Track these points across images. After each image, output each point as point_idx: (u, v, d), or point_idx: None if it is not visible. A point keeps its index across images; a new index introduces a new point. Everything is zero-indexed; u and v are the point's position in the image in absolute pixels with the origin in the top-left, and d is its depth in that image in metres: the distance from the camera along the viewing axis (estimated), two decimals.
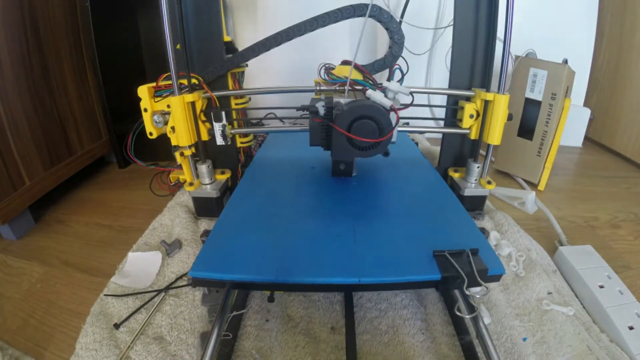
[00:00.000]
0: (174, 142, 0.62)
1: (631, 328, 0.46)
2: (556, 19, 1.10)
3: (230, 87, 0.71)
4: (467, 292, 0.40)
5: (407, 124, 1.20)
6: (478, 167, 0.68)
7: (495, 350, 0.37)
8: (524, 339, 0.46)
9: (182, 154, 0.65)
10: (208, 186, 0.69)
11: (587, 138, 1.20)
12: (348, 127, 0.50)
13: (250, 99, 0.80)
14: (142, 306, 0.52)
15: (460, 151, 0.74)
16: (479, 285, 0.40)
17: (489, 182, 0.68)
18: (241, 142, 0.77)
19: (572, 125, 1.13)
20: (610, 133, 1.13)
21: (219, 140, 0.67)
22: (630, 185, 0.91)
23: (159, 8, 0.55)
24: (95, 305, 0.52)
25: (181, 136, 0.61)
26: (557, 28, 1.10)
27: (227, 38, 0.69)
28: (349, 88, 0.54)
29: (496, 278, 0.43)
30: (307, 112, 0.53)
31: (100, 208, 0.84)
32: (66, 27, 0.85)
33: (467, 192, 0.69)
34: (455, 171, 0.73)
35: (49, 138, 0.80)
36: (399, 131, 0.60)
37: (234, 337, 0.46)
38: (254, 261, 0.44)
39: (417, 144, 0.92)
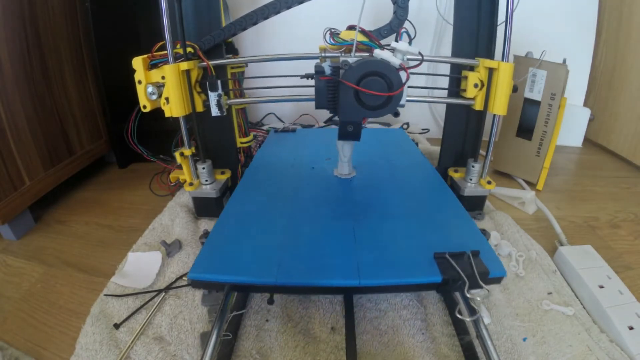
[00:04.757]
0: (167, 114, 0.60)
1: (631, 328, 0.46)
2: (556, 19, 1.10)
3: (230, 87, 0.71)
4: (468, 295, 0.40)
5: (408, 124, 1.20)
6: (478, 167, 0.68)
7: (495, 350, 0.37)
8: (524, 339, 0.46)
9: (182, 154, 0.65)
10: (208, 186, 0.69)
11: (587, 138, 1.20)
12: (356, 85, 0.48)
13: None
14: (142, 306, 0.52)
15: (460, 151, 0.74)
16: (480, 287, 0.40)
17: (489, 182, 0.68)
18: (241, 142, 0.77)
19: (572, 126, 1.14)
20: (607, 133, 1.13)
21: (214, 111, 0.65)
22: (630, 185, 0.91)
23: (159, 8, 0.55)
24: (95, 305, 0.52)
25: (175, 106, 0.60)
26: (557, 28, 1.10)
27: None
28: (356, 50, 0.51)
29: (497, 280, 0.43)
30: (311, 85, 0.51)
31: (100, 208, 0.84)
32: (66, 27, 0.85)
33: (467, 192, 0.69)
34: (455, 171, 0.73)
35: (49, 138, 0.80)
36: (407, 100, 0.57)
37: (234, 337, 0.46)
38: (253, 263, 0.44)
39: (417, 144, 0.92)
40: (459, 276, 0.40)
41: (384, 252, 0.46)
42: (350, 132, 0.55)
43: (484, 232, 0.64)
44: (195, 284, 0.44)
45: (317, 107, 0.53)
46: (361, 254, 0.45)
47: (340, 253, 0.46)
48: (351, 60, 0.48)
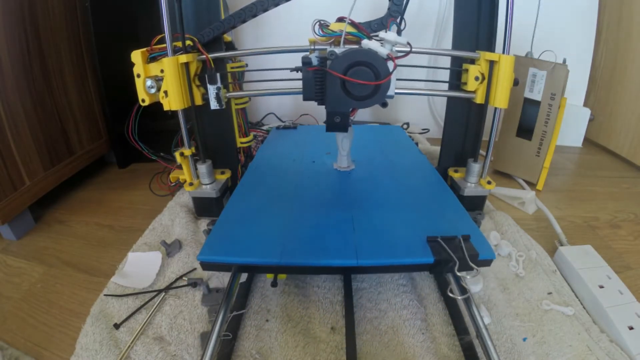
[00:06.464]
0: (166, 107, 0.60)
1: (631, 328, 0.46)
2: (556, 19, 1.10)
3: (230, 86, 0.71)
4: (458, 274, 0.42)
5: (408, 124, 1.20)
6: (478, 167, 0.68)
7: (495, 350, 0.37)
8: (524, 339, 0.46)
9: (182, 154, 0.65)
10: (208, 186, 0.69)
11: (587, 138, 1.20)
12: (343, 75, 0.48)
13: (250, 99, 0.80)
14: (142, 306, 0.52)
15: (460, 150, 0.74)
16: (470, 269, 0.42)
17: (489, 182, 0.68)
18: (241, 142, 0.77)
19: (572, 126, 1.14)
20: (607, 133, 1.13)
21: (213, 104, 0.65)
22: (630, 185, 0.91)
23: (158, 8, 0.55)
24: (95, 305, 0.52)
25: (174, 99, 0.59)
26: (557, 28, 1.10)
27: (227, 38, 0.70)
28: (344, 42, 0.50)
29: (487, 262, 0.45)
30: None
31: (100, 208, 0.84)
32: (66, 27, 0.85)
33: (467, 192, 0.69)
34: (456, 171, 0.73)
35: (49, 138, 0.80)
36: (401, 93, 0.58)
37: (234, 337, 0.47)
38: (258, 245, 0.47)
39: (417, 143, 0.92)
40: (450, 257, 0.43)
41: (380, 236, 0.49)
42: (337, 123, 0.56)
43: (476, 220, 0.65)
44: (204, 265, 0.47)
45: (305, 98, 0.54)
46: (359, 237, 0.48)
47: (340, 236, 0.49)
48: (338, 50, 0.49)
